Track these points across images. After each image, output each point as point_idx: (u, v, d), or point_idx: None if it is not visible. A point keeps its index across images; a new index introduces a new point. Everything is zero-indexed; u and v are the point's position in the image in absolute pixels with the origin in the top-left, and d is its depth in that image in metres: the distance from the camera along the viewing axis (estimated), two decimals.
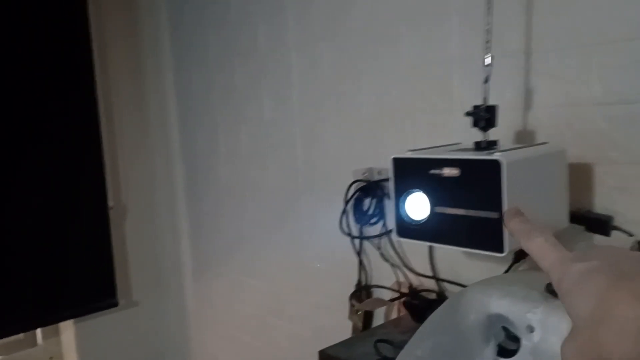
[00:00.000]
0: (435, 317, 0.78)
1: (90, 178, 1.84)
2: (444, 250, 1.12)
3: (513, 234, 0.44)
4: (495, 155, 0.64)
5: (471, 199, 0.67)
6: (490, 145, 0.75)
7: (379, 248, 1.25)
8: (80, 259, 1.84)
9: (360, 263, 1.30)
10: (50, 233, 1.78)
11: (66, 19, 1.77)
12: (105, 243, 1.88)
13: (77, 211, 1.82)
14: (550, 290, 0.73)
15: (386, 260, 1.23)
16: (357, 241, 1.29)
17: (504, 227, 0.44)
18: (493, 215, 0.65)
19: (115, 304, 1.91)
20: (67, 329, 1.96)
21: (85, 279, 1.85)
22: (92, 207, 1.85)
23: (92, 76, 1.81)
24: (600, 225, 0.87)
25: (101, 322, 1.95)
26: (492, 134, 0.83)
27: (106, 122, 1.90)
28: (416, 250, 1.18)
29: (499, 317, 0.74)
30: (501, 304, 0.74)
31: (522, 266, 0.97)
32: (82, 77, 1.80)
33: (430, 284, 1.14)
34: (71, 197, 1.81)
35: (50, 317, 1.84)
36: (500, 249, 0.65)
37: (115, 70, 1.95)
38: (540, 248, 0.38)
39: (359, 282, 1.30)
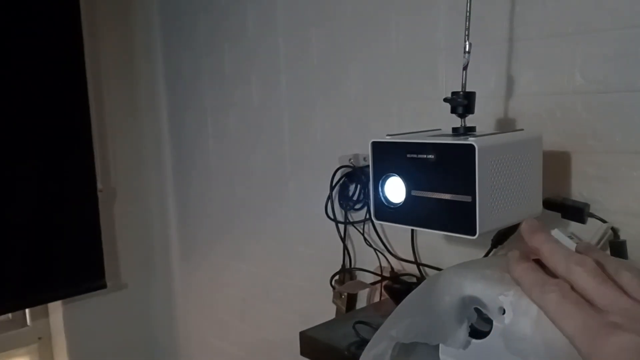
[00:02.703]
0: (410, 299, 0.79)
1: (79, 161, 1.84)
2: (425, 236, 1.13)
3: (520, 284, 0.38)
4: (470, 140, 0.65)
5: (445, 183, 0.68)
6: (468, 131, 0.77)
7: (363, 233, 1.26)
8: (69, 241, 1.85)
9: (345, 248, 1.32)
10: (40, 215, 1.79)
11: (56, 2, 1.75)
12: (94, 225, 1.88)
13: (66, 194, 1.83)
14: None
15: (370, 245, 1.24)
16: (342, 226, 1.31)
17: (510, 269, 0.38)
18: (466, 198, 0.66)
19: (104, 286, 1.93)
20: (56, 310, 1.97)
21: (74, 261, 1.86)
22: (81, 190, 1.86)
23: (81, 59, 1.80)
24: (576, 212, 0.88)
25: (89, 303, 1.97)
26: (475, 122, 0.84)
27: (95, 105, 1.90)
28: (399, 236, 1.19)
29: (473, 299, 0.75)
30: (475, 287, 0.75)
31: (500, 251, 0.99)
32: (70, 60, 1.79)
33: (412, 268, 1.16)
34: (60, 180, 1.81)
35: (38, 297, 1.85)
36: (472, 232, 0.67)
37: (104, 53, 1.94)
38: (559, 306, 0.32)
39: (343, 266, 1.32)
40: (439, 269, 1.10)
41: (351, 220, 1.29)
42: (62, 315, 1.95)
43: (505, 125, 0.97)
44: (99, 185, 1.90)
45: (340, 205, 1.30)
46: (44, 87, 1.76)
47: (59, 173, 1.81)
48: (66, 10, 1.77)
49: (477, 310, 0.76)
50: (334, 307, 1.33)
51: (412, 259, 1.15)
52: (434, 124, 0.97)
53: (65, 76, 1.79)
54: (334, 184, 1.27)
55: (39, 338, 2.01)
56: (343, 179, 1.28)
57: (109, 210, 1.98)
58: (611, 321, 0.28)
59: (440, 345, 0.78)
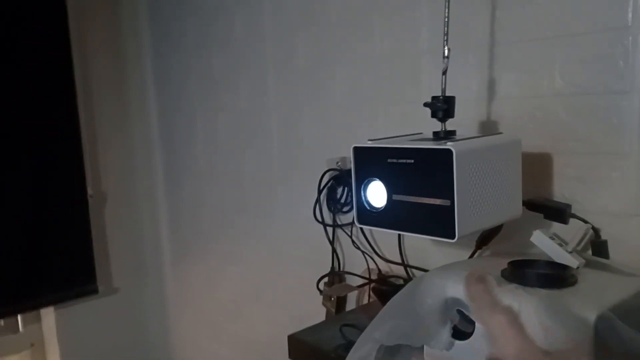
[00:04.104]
0: (394, 301, 0.80)
1: (69, 166, 1.84)
2: (412, 238, 1.14)
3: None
4: (448, 145, 0.66)
5: (425, 188, 0.69)
6: (448, 135, 0.78)
7: (350, 236, 1.27)
8: (61, 247, 1.84)
9: (334, 250, 1.33)
10: (30, 221, 1.78)
11: (43, 4, 1.75)
12: (85, 231, 1.88)
13: (56, 199, 1.82)
14: (505, 276, 0.76)
15: (357, 247, 1.25)
16: (330, 229, 1.32)
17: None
18: (445, 202, 0.67)
19: (96, 291, 1.92)
20: (48, 316, 1.97)
21: (66, 266, 1.86)
22: (71, 195, 1.85)
23: (69, 63, 1.80)
24: (558, 213, 0.89)
25: (82, 308, 1.96)
26: (458, 125, 0.86)
27: (85, 110, 1.90)
28: (386, 238, 1.20)
29: (455, 301, 0.76)
30: (457, 288, 0.76)
31: (485, 252, 1.00)
32: (59, 63, 1.79)
33: (399, 270, 1.17)
34: (50, 185, 1.81)
35: (30, 303, 1.85)
36: (452, 235, 0.68)
37: (93, 57, 1.94)
38: (504, 327, 0.34)
39: (332, 268, 1.33)
40: (425, 270, 1.11)
41: (339, 223, 1.30)
42: (55, 321, 1.95)
43: (487, 127, 0.99)
44: (90, 190, 1.90)
45: (329, 208, 1.31)
46: (32, 92, 1.75)
47: (48, 178, 1.80)
48: (53, 14, 1.76)
49: (459, 311, 0.78)
50: (324, 308, 1.34)
51: (400, 261, 1.16)
52: (420, 126, 0.98)
53: (54, 81, 1.79)
54: (321, 187, 1.28)
55: (32, 344, 2.01)
56: (331, 182, 1.29)
57: (100, 215, 1.98)
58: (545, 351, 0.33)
59: (425, 346, 0.79)
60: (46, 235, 1.81)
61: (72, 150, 1.84)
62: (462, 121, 0.96)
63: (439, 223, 0.68)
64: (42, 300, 1.87)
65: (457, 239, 0.68)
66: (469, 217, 0.69)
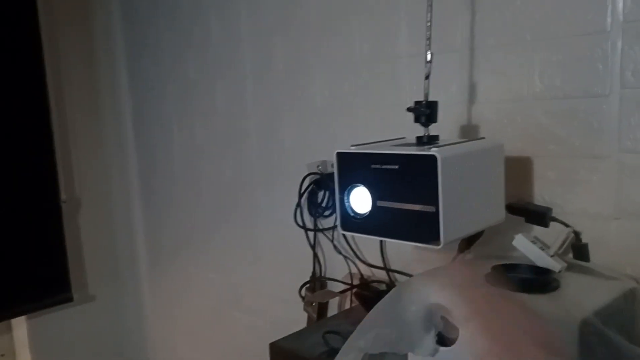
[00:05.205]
0: (378, 309, 0.79)
1: (41, 171, 1.79)
2: (394, 243, 1.14)
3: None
4: (432, 151, 0.66)
5: (410, 194, 0.68)
6: (431, 140, 0.77)
7: (332, 240, 1.26)
8: (33, 254, 1.80)
9: (315, 255, 1.31)
10: (1, 228, 1.73)
11: (12, 7, 1.70)
12: (59, 237, 1.84)
13: (28, 206, 1.78)
14: (489, 281, 0.76)
15: (339, 252, 1.24)
16: (311, 233, 1.30)
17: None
18: (430, 209, 0.66)
19: (70, 299, 1.88)
20: (20, 326, 1.91)
21: (39, 274, 1.81)
22: (44, 202, 1.81)
23: (41, 67, 1.75)
24: (539, 216, 0.90)
25: (55, 317, 1.91)
26: (439, 128, 0.85)
27: (57, 114, 1.85)
28: (368, 242, 1.19)
29: (439, 307, 0.76)
30: (441, 295, 0.76)
31: (467, 256, 1.00)
32: (31, 68, 1.74)
33: (382, 275, 1.16)
34: (22, 191, 1.76)
35: (1, 313, 1.79)
36: (437, 242, 0.67)
37: (66, 61, 1.90)
38: None
39: (313, 274, 1.32)
40: (407, 274, 1.10)
41: (321, 228, 1.29)
42: (27, 331, 1.89)
43: (468, 131, 0.99)
44: (63, 196, 1.85)
45: (310, 212, 1.29)
46: (2, 95, 1.71)
47: (20, 184, 1.76)
48: (23, 17, 1.72)
49: (443, 318, 0.77)
50: (306, 314, 1.33)
51: (382, 265, 1.15)
52: (400, 130, 0.98)
53: (24, 84, 1.74)
54: (302, 191, 1.27)
55: (2, 355, 1.95)
56: (311, 186, 1.27)
57: (73, 221, 1.93)
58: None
59: (409, 354, 0.78)
60: (18, 243, 1.77)
61: (44, 156, 1.79)
62: (443, 125, 0.96)
63: (424, 229, 0.68)
64: (14, 310, 1.81)
65: (443, 246, 0.67)
66: (454, 223, 0.69)
